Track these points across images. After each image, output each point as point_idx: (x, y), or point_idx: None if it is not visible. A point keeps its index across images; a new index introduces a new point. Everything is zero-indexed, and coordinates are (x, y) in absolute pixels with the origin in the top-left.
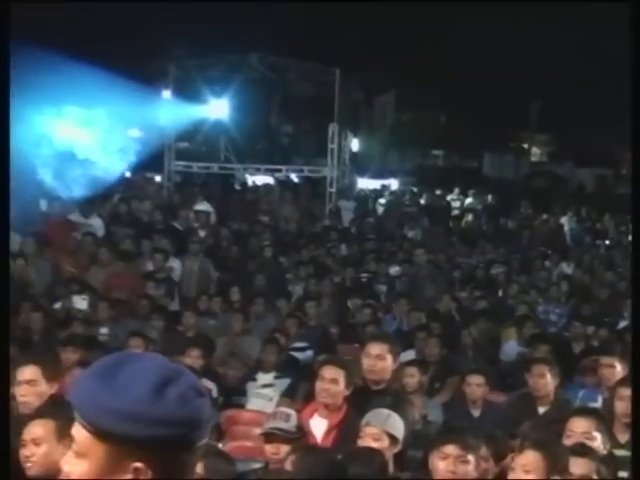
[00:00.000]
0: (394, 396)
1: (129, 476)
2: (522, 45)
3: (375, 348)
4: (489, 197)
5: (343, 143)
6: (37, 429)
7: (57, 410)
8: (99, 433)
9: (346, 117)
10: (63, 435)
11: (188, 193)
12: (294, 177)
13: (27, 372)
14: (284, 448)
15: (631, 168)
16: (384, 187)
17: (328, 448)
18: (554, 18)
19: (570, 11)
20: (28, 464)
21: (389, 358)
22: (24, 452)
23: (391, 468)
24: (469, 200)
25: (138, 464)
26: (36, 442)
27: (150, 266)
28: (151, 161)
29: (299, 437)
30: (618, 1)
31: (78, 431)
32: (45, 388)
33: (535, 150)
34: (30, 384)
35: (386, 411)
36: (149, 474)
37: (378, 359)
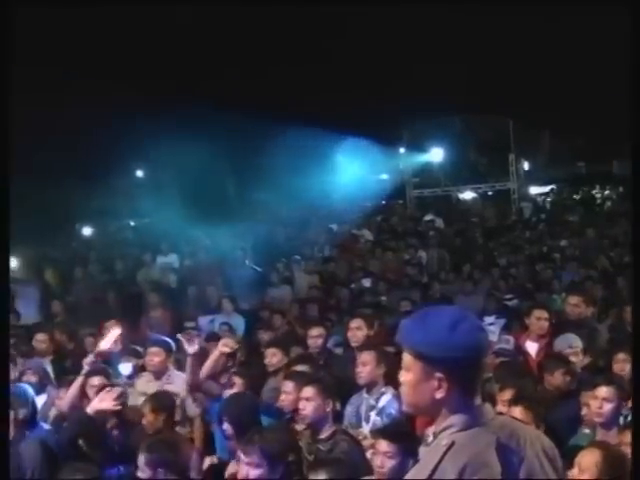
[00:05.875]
0: (586, 327)
1: (435, 383)
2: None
3: (573, 299)
4: (620, 188)
5: (519, 165)
6: (366, 356)
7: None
8: (416, 355)
9: (519, 148)
10: (385, 360)
11: (423, 209)
12: (489, 191)
13: (356, 322)
14: None
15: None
16: (549, 190)
17: (521, 360)
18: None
19: None
20: (358, 377)
21: (582, 306)
22: (358, 369)
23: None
24: (607, 192)
25: (440, 374)
26: (364, 364)
27: (406, 256)
28: (397, 192)
29: (516, 355)
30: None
31: (405, 355)
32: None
33: None
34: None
35: (572, 335)
36: (449, 382)
37: (575, 307)
